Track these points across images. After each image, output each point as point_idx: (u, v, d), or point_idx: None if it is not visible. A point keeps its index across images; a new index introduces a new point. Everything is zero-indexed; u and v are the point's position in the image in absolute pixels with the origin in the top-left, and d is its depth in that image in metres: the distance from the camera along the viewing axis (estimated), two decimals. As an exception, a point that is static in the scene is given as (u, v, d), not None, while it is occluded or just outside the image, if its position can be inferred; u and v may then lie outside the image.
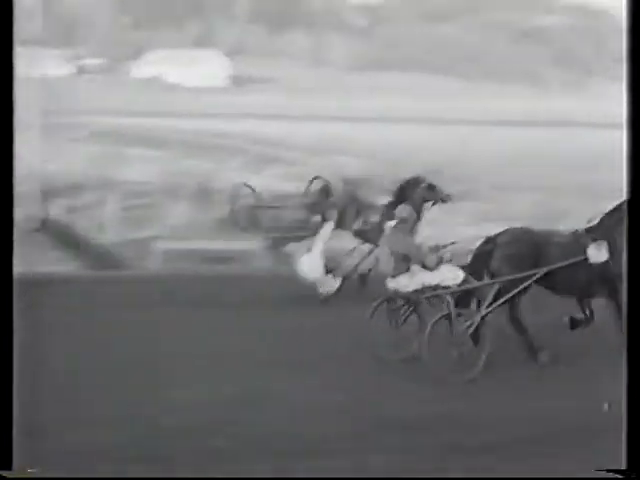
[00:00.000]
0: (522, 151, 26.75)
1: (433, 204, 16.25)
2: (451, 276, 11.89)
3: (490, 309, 11.90)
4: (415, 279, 11.88)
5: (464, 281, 11.91)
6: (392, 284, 12.01)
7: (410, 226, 12.23)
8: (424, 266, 11.88)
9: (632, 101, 9.76)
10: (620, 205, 11.97)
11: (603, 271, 11.99)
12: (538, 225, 12.58)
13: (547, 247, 12.07)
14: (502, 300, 11.96)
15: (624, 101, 9.78)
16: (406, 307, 12.23)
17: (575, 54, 33.40)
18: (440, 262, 11.93)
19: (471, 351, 11.60)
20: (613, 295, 12.04)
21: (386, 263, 12.06)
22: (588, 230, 12.19)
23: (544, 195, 23.25)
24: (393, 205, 15.41)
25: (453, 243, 12.20)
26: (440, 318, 11.59)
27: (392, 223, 12.36)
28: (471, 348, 11.62)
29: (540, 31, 33.39)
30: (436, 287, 11.81)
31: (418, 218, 15.08)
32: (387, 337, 12.17)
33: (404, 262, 11.90)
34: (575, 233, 12.21)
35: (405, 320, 12.26)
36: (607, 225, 12.13)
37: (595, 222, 12.23)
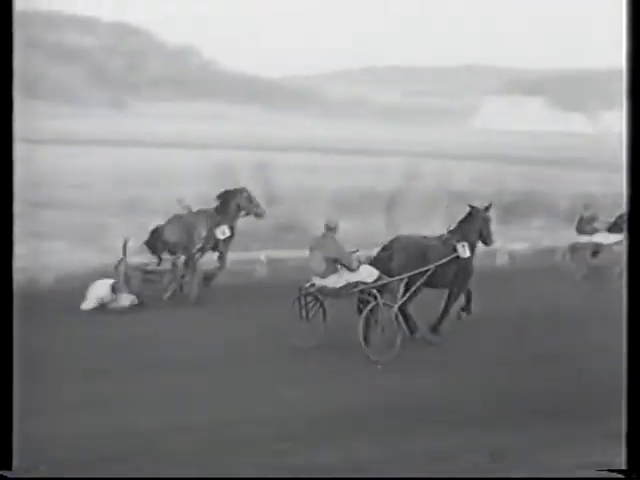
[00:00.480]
0: (69, 169, 26.83)
1: (246, 214, 17.98)
2: (368, 274, 14.33)
3: (404, 300, 14.59)
4: (342, 278, 14.25)
5: (377, 279, 14.36)
6: (320, 282, 14.35)
7: (335, 233, 14.39)
8: (347, 267, 14.26)
9: (632, 105, 10.18)
10: (469, 213, 15.39)
11: (464, 266, 15.11)
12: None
13: (429, 250, 14.90)
14: (411, 291, 14.68)
15: (624, 107, 10.19)
16: (314, 302, 14.60)
17: (112, 73, 33.90)
18: (359, 264, 14.39)
19: (389, 334, 14.10)
20: (462, 285, 15.19)
21: (318, 265, 14.29)
22: (450, 233, 15.23)
23: (88, 212, 23.46)
24: (217, 214, 17.61)
25: (357, 250, 14.64)
26: (371, 308, 14.05)
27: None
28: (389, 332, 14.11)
29: (76, 50, 33.60)
30: (356, 284, 14.24)
31: (233, 225, 17.66)
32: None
33: (333, 264, 14.23)
34: (442, 237, 15.20)
35: (314, 314, 14.58)
36: (463, 229, 15.28)
37: (453, 227, 15.34)
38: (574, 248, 19.85)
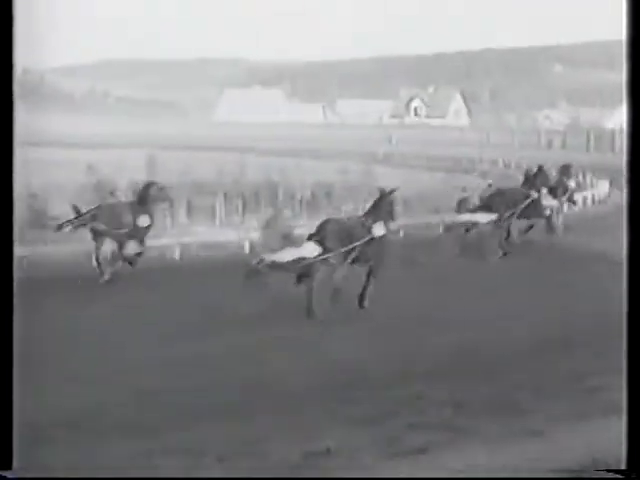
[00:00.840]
0: None
1: (162, 202, 19.87)
2: (312, 250, 16.25)
3: (342, 272, 16.58)
4: (290, 253, 16.10)
5: (318, 254, 16.34)
6: (271, 257, 16.12)
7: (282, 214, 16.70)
8: (295, 243, 16.14)
9: (632, 101, 10.19)
10: (380, 196, 17.25)
11: (380, 243, 16.94)
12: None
13: (353, 229, 16.80)
14: (344, 265, 16.59)
15: (624, 99, 10.18)
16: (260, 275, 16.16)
17: None
18: (304, 241, 16.27)
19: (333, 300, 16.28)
20: (380, 260, 17.04)
21: (272, 242, 16.06)
22: (366, 214, 17.14)
23: None
24: (136, 205, 19.30)
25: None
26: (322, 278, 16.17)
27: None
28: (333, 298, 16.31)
29: None
30: (301, 259, 16.21)
31: (151, 214, 19.35)
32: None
33: (282, 241, 16.05)
34: (360, 218, 17.19)
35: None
36: (376, 210, 17.14)
37: (368, 209, 17.21)
38: (450, 227, 21.87)
